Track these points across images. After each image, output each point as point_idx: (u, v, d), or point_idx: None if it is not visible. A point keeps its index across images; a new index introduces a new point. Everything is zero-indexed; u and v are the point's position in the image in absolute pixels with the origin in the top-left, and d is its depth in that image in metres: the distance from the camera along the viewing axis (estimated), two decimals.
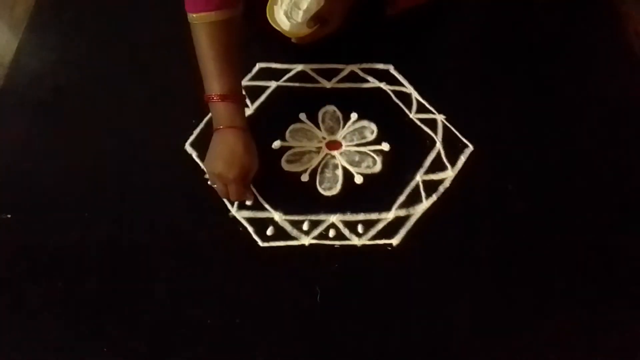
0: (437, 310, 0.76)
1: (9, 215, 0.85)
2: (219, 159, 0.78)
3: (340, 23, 0.89)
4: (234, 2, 0.78)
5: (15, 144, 0.93)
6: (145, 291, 0.78)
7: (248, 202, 0.84)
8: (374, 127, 0.92)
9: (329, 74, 0.97)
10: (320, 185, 0.87)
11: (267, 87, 0.96)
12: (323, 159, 0.89)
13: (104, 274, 0.80)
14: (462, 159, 0.88)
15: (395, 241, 0.81)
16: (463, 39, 1.05)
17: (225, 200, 0.85)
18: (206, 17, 0.76)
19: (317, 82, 0.96)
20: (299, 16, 0.91)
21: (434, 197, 0.85)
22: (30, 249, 0.82)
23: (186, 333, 0.75)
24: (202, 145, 0.90)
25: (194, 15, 0.77)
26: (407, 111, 0.93)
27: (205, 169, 0.83)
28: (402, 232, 0.82)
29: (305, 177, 0.87)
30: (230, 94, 0.78)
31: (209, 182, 0.84)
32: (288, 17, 0.91)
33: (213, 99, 0.78)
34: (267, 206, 0.85)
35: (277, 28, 0.90)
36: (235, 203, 0.84)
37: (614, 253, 0.80)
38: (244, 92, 0.84)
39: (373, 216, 0.83)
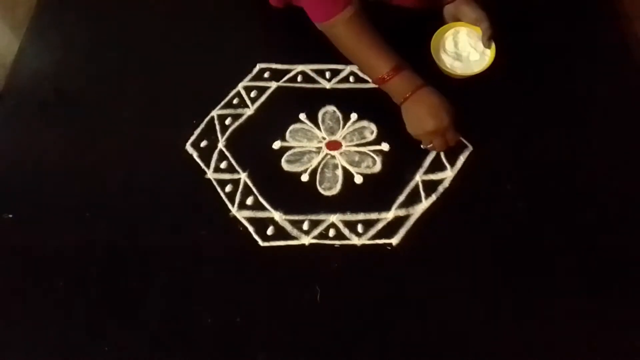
0: (437, 309, 0.76)
1: (10, 215, 0.85)
2: (426, 117, 0.81)
3: None
4: None
5: (16, 144, 0.93)
6: (145, 291, 0.79)
7: (459, 138, 0.86)
8: (373, 127, 0.92)
9: (329, 74, 0.97)
10: (320, 185, 0.87)
11: (267, 88, 0.97)
12: (323, 159, 0.89)
13: (105, 273, 0.80)
14: (462, 159, 0.88)
15: (394, 241, 0.81)
16: None
17: (226, 200, 0.85)
18: (342, 17, 0.79)
19: (317, 82, 0.97)
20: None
21: (434, 197, 0.85)
22: (31, 249, 0.82)
23: (186, 333, 0.76)
24: (202, 146, 0.90)
25: (330, 21, 0.80)
26: None
27: (417, 135, 0.84)
28: (402, 232, 0.82)
29: (305, 177, 0.87)
30: (398, 65, 0.81)
31: (423, 146, 0.86)
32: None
33: (387, 78, 0.81)
34: (267, 206, 0.85)
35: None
36: (236, 202, 0.85)
37: (613, 253, 0.80)
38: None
39: (373, 216, 0.83)
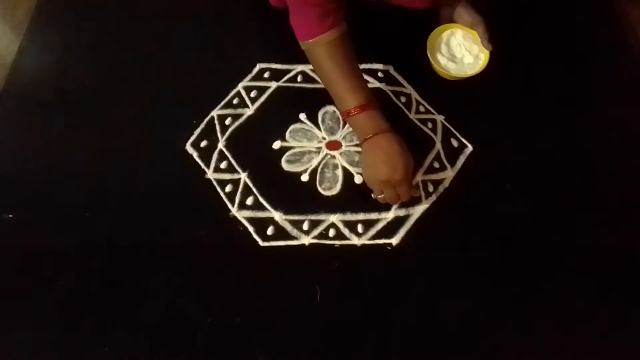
0: (437, 309, 0.77)
1: (10, 215, 0.85)
2: (381, 165, 0.76)
3: None
4: (342, 17, 0.79)
5: (16, 144, 0.93)
6: (145, 291, 0.79)
7: (416, 195, 0.83)
8: None
9: None
10: (320, 185, 0.87)
11: (267, 88, 0.97)
12: (323, 159, 0.89)
13: (105, 273, 0.80)
14: (462, 159, 0.88)
15: (394, 241, 0.81)
16: None
17: (226, 200, 0.85)
18: (323, 39, 0.77)
19: (317, 82, 0.96)
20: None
21: (434, 197, 0.85)
22: (31, 249, 0.82)
23: (186, 333, 0.76)
24: (202, 146, 0.91)
25: (311, 41, 0.78)
26: (406, 112, 0.93)
27: (368, 181, 0.80)
28: (402, 232, 0.82)
29: (305, 177, 0.87)
30: (367, 103, 0.78)
31: (374, 196, 0.81)
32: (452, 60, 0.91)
33: (352, 113, 0.78)
34: (267, 206, 0.85)
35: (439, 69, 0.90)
36: (236, 202, 0.85)
37: (613, 253, 0.80)
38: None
39: (373, 216, 0.84)
